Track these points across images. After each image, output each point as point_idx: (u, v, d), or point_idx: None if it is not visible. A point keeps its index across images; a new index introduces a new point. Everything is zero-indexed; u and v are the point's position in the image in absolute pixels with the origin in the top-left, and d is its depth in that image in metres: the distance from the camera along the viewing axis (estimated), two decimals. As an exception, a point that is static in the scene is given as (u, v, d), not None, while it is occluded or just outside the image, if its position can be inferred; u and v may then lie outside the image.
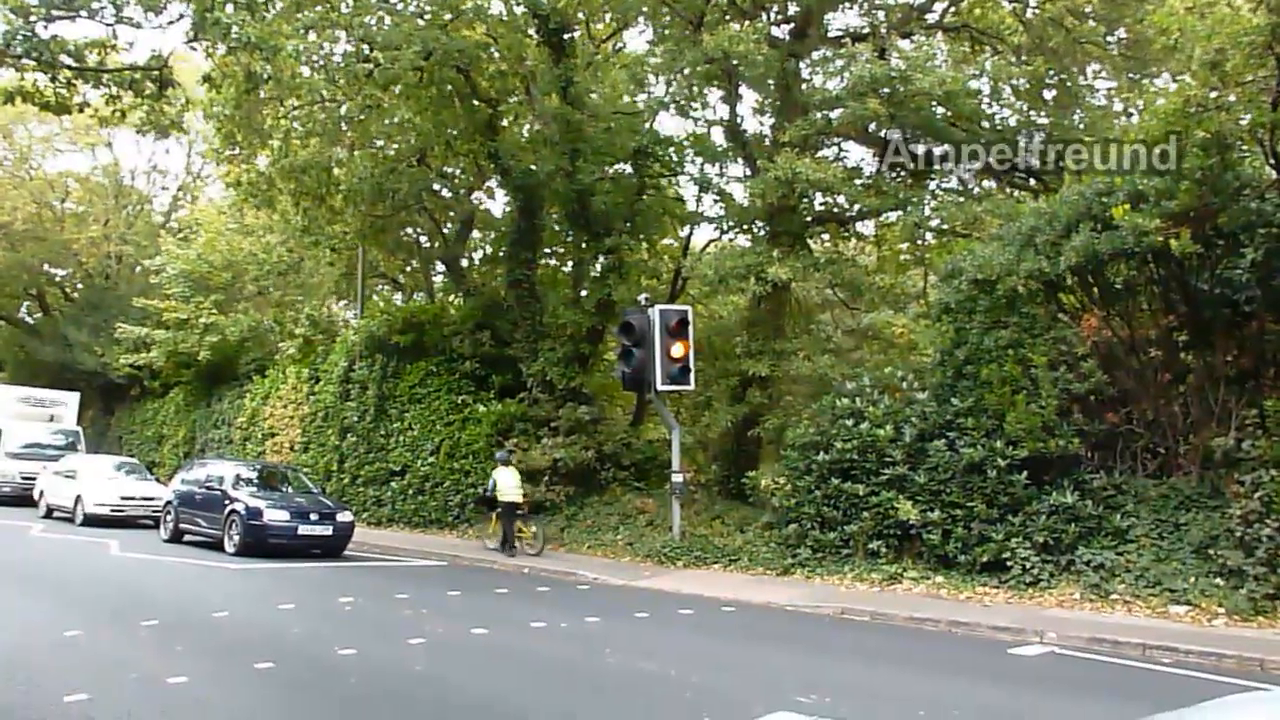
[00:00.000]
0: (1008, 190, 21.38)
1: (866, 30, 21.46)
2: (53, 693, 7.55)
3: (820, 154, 20.74)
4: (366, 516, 25.22)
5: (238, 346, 33.33)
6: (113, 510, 23.84)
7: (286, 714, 7.59)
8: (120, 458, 30.09)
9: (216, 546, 18.72)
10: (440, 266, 30.59)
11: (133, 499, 24.44)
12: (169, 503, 21.03)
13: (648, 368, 17.66)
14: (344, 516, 19.26)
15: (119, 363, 36.65)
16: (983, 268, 14.57)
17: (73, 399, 35.14)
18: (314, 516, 18.69)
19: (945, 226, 21.15)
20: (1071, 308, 14.93)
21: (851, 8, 22.84)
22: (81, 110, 16.26)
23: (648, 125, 24.78)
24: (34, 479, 28.12)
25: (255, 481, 20.19)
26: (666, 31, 21.90)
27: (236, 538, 18.19)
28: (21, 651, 9.10)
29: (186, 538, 20.17)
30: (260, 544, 17.94)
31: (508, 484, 19.27)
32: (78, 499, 24.07)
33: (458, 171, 27.85)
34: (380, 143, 24.45)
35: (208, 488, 19.77)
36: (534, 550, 18.85)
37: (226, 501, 18.86)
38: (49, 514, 25.51)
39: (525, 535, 19.30)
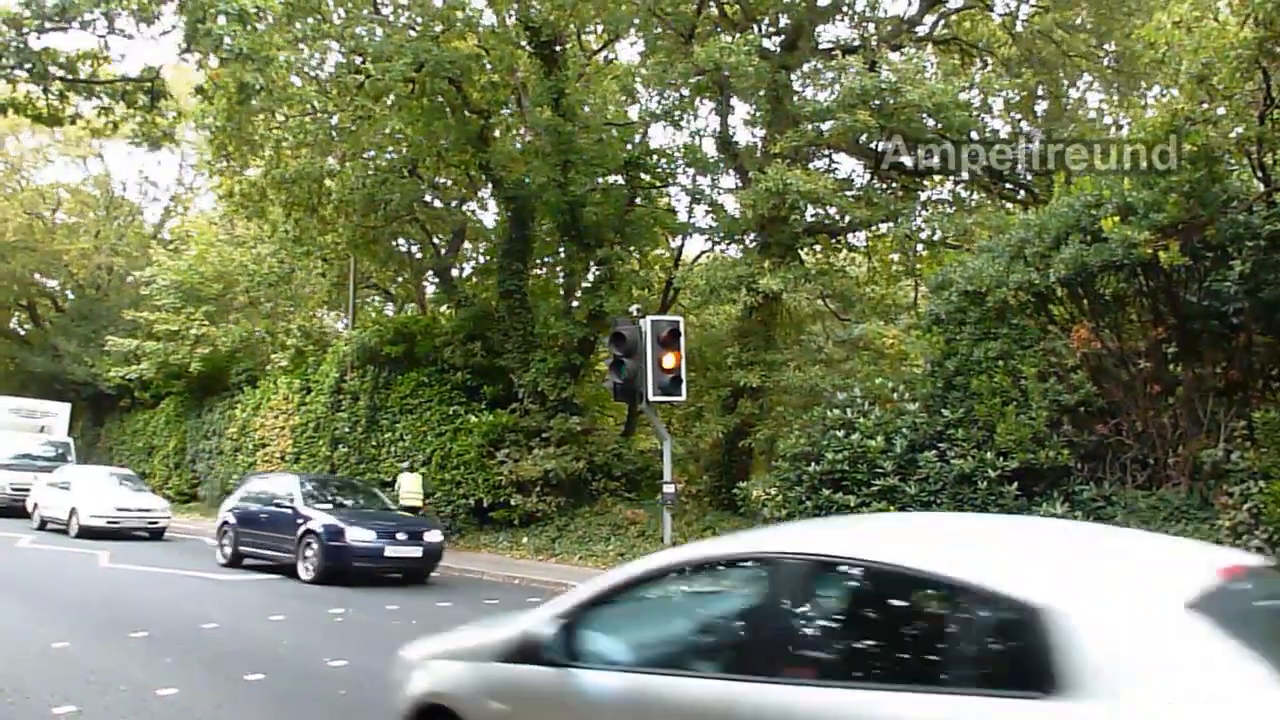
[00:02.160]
0: (998, 202, 21.47)
1: (857, 43, 21.56)
2: (41, 705, 7.53)
3: (811, 165, 20.80)
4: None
5: (229, 357, 33.26)
6: (108, 522, 23.29)
7: (276, 727, 7.55)
8: (115, 468, 29.71)
9: (285, 571, 16.72)
10: (432, 277, 30.59)
11: (129, 510, 23.94)
12: (226, 523, 18.56)
13: (639, 378, 17.62)
14: (432, 536, 16.83)
15: (109, 374, 36.55)
16: (973, 279, 14.61)
17: (63, 410, 34.76)
18: (401, 536, 16.33)
19: (936, 238, 21.24)
20: (1061, 319, 14.97)
21: (842, 20, 23.01)
22: (74, 122, 16.28)
23: (639, 136, 24.88)
24: (26, 490, 27.64)
25: (328, 496, 18.23)
26: (658, 43, 21.98)
27: (313, 561, 15.86)
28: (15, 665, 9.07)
29: (247, 561, 18.10)
30: (342, 569, 15.67)
31: (409, 489, 21.85)
32: (72, 511, 23.72)
33: (449, 182, 27.88)
34: (372, 153, 24.46)
35: (275, 505, 17.47)
36: None
37: (299, 520, 16.44)
38: (42, 526, 25.20)
39: None
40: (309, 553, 16.03)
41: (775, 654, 3.82)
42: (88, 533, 22.88)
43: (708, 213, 23.71)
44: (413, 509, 21.05)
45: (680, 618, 4.64)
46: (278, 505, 17.40)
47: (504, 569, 18.58)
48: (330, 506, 17.24)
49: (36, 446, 31.35)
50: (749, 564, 4.39)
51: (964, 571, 3.47)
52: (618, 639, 4.40)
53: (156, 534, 24.18)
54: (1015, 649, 3.24)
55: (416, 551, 16.36)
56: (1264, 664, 2.86)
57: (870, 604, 3.94)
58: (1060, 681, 3.01)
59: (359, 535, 15.83)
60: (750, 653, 3.99)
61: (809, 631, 3.99)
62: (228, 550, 18.34)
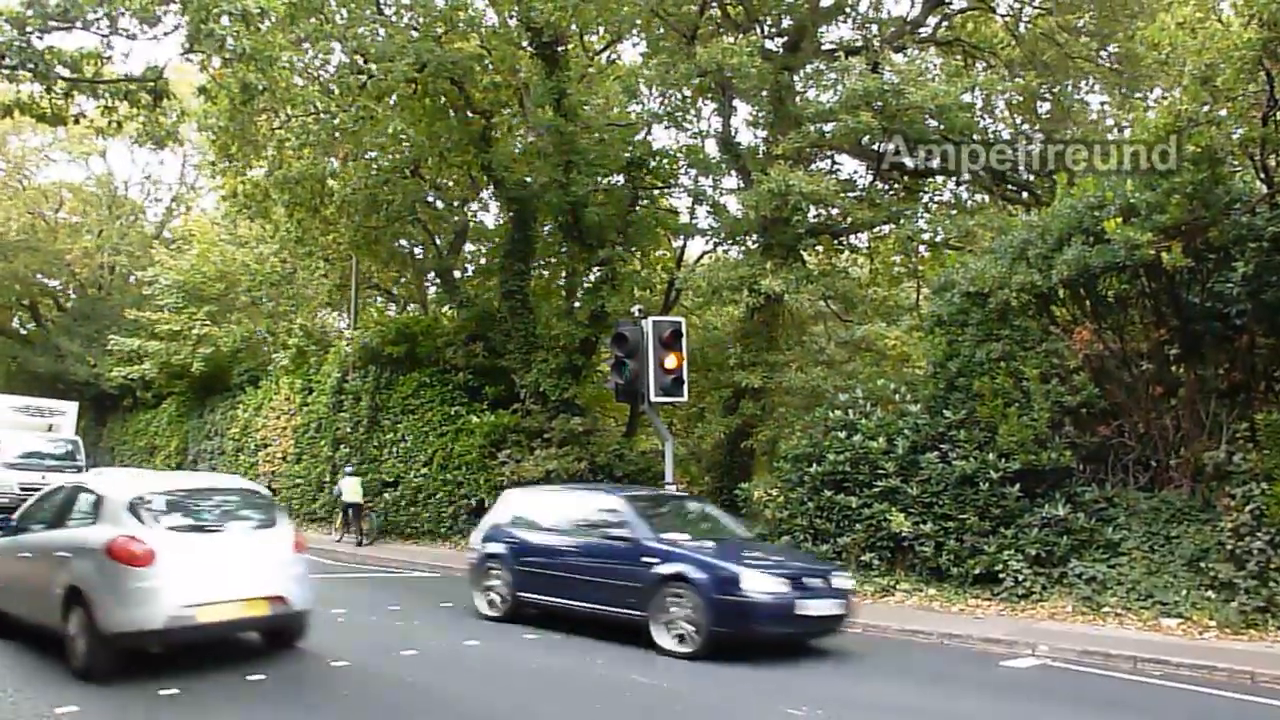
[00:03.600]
0: (1000, 203, 21.45)
1: (860, 44, 21.53)
2: (43, 704, 7.53)
3: (814, 167, 20.79)
4: (372, 532, 25.10)
5: (230, 357, 33.25)
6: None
7: (278, 726, 7.49)
8: (148, 472, 28.76)
9: (620, 632, 11.14)
10: (434, 277, 30.56)
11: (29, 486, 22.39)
12: (493, 556, 13.05)
13: (641, 379, 17.62)
14: (842, 581, 11.45)
15: (111, 374, 36.55)
16: (975, 280, 14.62)
17: (71, 408, 33.87)
18: (813, 582, 11.02)
19: (938, 239, 21.23)
20: (1063, 321, 14.97)
21: (845, 21, 22.92)
22: (77, 121, 16.26)
23: (641, 137, 24.84)
24: (34, 490, 27.36)
25: (668, 521, 12.51)
26: (660, 44, 21.94)
27: (690, 623, 10.39)
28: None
29: (531, 608, 12.45)
30: (742, 635, 10.44)
31: (351, 489, 23.76)
32: None
33: (451, 183, 27.84)
34: (374, 154, 24.42)
35: (594, 533, 12.06)
36: (369, 540, 23.63)
37: (649, 558, 11.04)
38: None
39: (365, 526, 23.98)
40: (677, 608, 10.60)
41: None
42: None
43: (710, 214, 23.68)
44: (354, 505, 23.88)
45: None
46: (601, 534, 11.98)
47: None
48: (687, 537, 11.67)
49: (45, 445, 30.45)
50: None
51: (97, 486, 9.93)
52: None
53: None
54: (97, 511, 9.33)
55: (835, 608, 11.02)
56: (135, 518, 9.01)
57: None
58: (98, 519, 9.26)
59: (762, 584, 10.44)
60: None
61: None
62: (498, 596, 12.82)
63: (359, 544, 23.35)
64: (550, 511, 13.27)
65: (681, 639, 10.47)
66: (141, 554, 8.55)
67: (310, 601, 9.89)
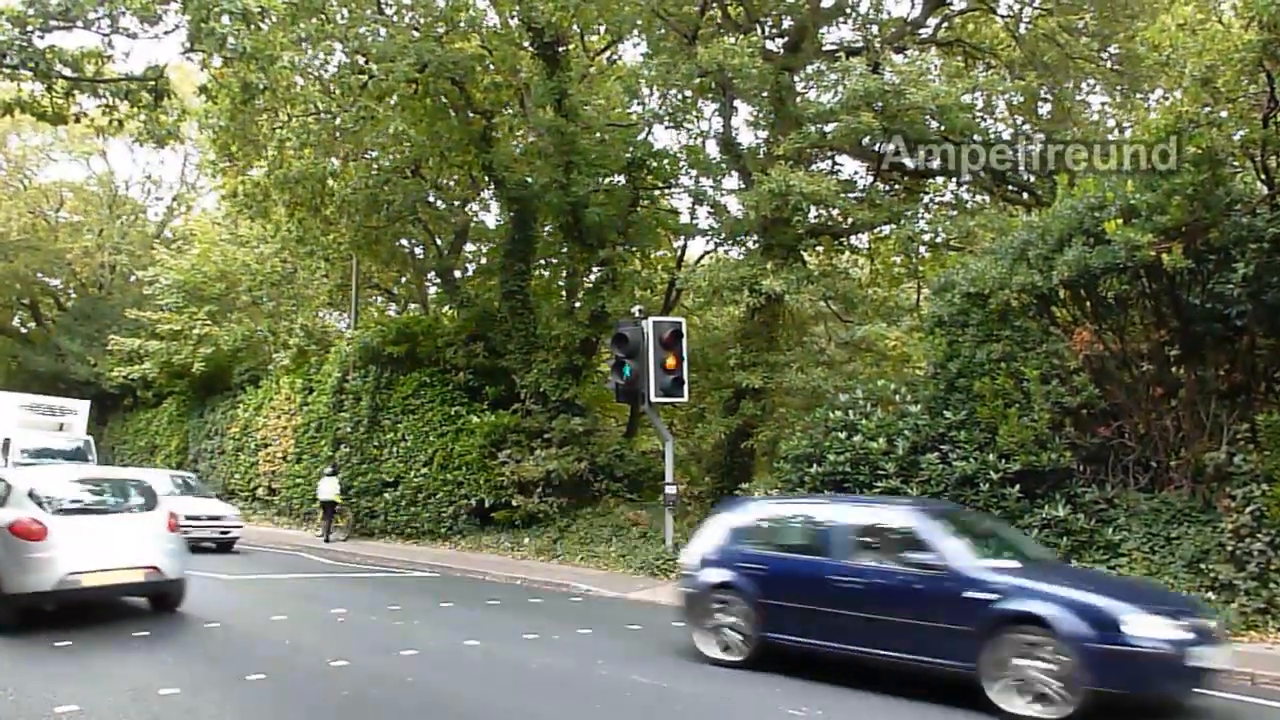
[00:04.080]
0: (1001, 204, 21.46)
1: (860, 44, 21.56)
2: (41, 703, 7.54)
3: (814, 167, 20.81)
4: (359, 528, 25.23)
5: (231, 357, 33.26)
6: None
7: (278, 726, 7.50)
8: (174, 471, 27.00)
9: (928, 686, 8.79)
10: (434, 277, 30.59)
11: (199, 520, 20.53)
12: (722, 586, 10.48)
13: (641, 379, 17.68)
14: (1206, 621, 8.86)
15: (112, 373, 36.55)
16: (975, 281, 14.62)
17: (83, 407, 33.02)
18: (1198, 624, 8.51)
19: (938, 240, 21.23)
20: (1064, 321, 14.97)
21: (845, 22, 22.96)
22: (78, 121, 16.27)
23: (642, 137, 24.87)
24: None
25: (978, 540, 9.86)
26: (661, 44, 21.96)
27: (1058, 679, 8.06)
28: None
29: (779, 646, 9.86)
30: (1126, 692, 8.14)
31: (328, 489, 24.42)
32: None
33: (452, 183, 27.89)
34: (375, 154, 24.46)
35: (900, 560, 9.26)
36: (344, 537, 24.54)
37: (981, 594, 8.58)
38: None
39: (340, 523, 24.88)
40: (1030, 660, 8.20)
41: None
42: None
43: (710, 214, 23.74)
44: (330, 504, 24.53)
45: None
46: (894, 559, 9.38)
47: (506, 569, 18.59)
48: (1015, 564, 9.30)
49: (56, 444, 29.57)
50: None
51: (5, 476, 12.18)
52: None
53: (226, 545, 21.45)
54: (5, 498, 11.46)
55: (1220, 655, 8.61)
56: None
57: None
58: (5, 504, 11.26)
59: (1150, 628, 8.13)
60: None
61: None
62: (737, 636, 10.24)
63: (326, 540, 24.06)
64: (801, 530, 10.84)
65: (1043, 700, 8.09)
66: (36, 530, 10.75)
67: (182, 571, 11.93)
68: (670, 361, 17.57)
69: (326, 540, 24.05)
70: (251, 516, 28.89)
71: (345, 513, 25.20)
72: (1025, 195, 20.87)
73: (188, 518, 18.43)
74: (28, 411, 30.41)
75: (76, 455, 28.42)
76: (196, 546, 18.46)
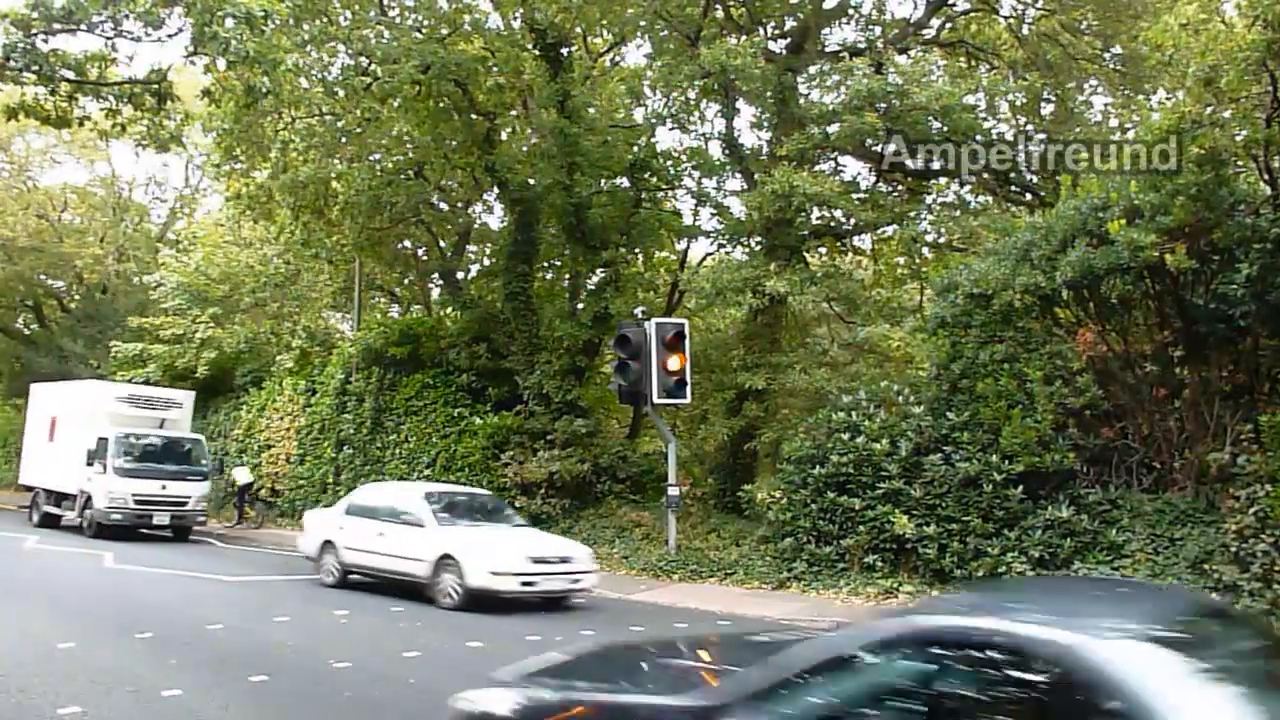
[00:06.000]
0: (1004, 205, 21.45)
1: (863, 45, 21.55)
2: (45, 705, 7.54)
3: (817, 168, 20.79)
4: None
5: (234, 358, 33.28)
6: (522, 584, 13.64)
7: (280, 727, 7.50)
8: (470, 489, 19.22)
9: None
10: (437, 279, 30.60)
11: (547, 561, 14.19)
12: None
13: (644, 381, 17.66)
14: None
15: (115, 376, 36.56)
16: (979, 282, 14.61)
17: (188, 399, 28.27)
18: None
19: (941, 241, 21.22)
20: (1067, 322, 14.97)
21: (848, 23, 22.96)
22: (82, 124, 16.32)
23: (645, 139, 24.86)
24: (152, 503, 23.08)
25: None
26: (664, 46, 21.97)
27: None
28: (14, 663, 9.09)
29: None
30: None
31: (243, 474, 27.87)
32: (445, 563, 13.90)
33: (455, 184, 27.89)
34: (378, 156, 24.48)
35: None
36: (255, 525, 27.20)
37: None
38: (342, 582, 15.72)
39: (249, 516, 27.76)
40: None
41: None
42: (481, 600, 13.48)
43: (713, 215, 23.73)
44: (246, 486, 27.85)
45: None
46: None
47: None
48: None
49: (161, 446, 25.31)
50: None
51: None
52: None
53: (556, 600, 14.34)
54: None
55: None
56: None
57: None
58: None
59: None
60: None
61: None
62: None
63: (236, 523, 27.27)
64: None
65: None
66: None
67: None
68: (673, 363, 17.56)
69: (236, 523, 27.46)
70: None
71: (255, 504, 28.31)
72: (1028, 196, 20.86)
73: (533, 559, 13.91)
74: (125, 405, 26.19)
75: (187, 459, 25.40)
76: (546, 604, 13.94)
